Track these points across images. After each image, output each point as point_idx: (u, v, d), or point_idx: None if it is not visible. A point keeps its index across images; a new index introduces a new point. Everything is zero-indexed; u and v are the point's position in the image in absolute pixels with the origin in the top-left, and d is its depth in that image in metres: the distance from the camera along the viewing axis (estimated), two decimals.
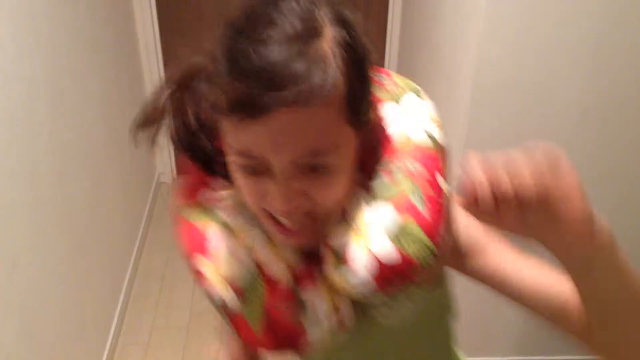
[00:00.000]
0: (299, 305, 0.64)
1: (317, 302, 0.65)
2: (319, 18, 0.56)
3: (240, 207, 0.67)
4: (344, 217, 0.63)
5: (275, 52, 0.52)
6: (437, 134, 0.63)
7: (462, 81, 1.51)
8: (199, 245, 0.67)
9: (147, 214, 2.52)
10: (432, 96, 0.68)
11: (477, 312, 1.72)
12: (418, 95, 0.66)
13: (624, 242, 0.57)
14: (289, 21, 0.54)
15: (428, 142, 0.63)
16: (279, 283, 0.64)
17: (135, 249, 2.31)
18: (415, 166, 0.61)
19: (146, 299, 2.20)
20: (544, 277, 0.65)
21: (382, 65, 2.50)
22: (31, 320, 1.35)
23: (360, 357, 0.75)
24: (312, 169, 0.58)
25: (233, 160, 0.60)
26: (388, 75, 0.68)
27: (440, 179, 0.61)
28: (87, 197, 1.77)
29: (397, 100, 0.66)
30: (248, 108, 0.53)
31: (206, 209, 0.69)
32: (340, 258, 0.61)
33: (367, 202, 0.62)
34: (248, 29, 0.55)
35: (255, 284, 0.65)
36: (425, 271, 0.59)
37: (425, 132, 0.63)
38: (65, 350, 1.54)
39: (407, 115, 0.65)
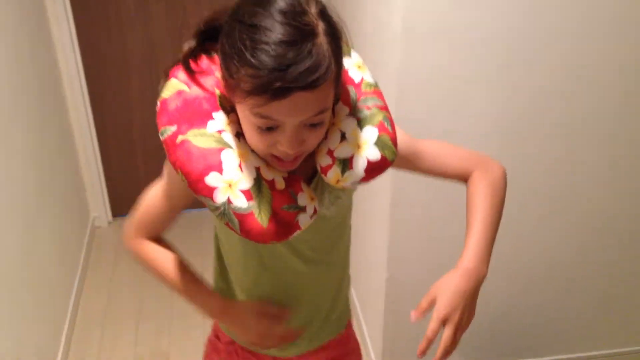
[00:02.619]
0: (295, 200, 0.90)
1: (305, 199, 0.92)
2: (311, 16, 0.79)
3: (239, 138, 0.90)
4: (343, 136, 0.92)
5: (292, 52, 0.76)
6: (373, 78, 0.97)
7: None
8: (215, 165, 0.88)
9: (83, 259, 2.50)
10: None
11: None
12: (355, 53, 0.98)
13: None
14: (293, 25, 0.77)
15: (374, 83, 0.96)
16: (280, 189, 0.90)
17: (73, 296, 2.29)
18: (379, 102, 0.94)
19: (87, 345, 2.17)
20: (451, 161, 1.05)
21: None
22: None
23: (315, 241, 1.06)
24: (312, 124, 0.85)
25: (251, 120, 0.83)
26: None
27: (388, 110, 0.95)
28: (20, 247, 1.76)
29: (349, 55, 0.96)
30: (275, 93, 0.77)
31: (216, 137, 0.90)
32: (346, 162, 0.91)
33: (360, 126, 0.92)
34: (262, 27, 0.78)
35: (261, 187, 0.89)
36: (390, 165, 0.93)
37: (371, 76, 0.97)
38: None
39: (360, 66, 0.96)
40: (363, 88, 0.94)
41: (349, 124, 0.92)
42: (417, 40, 1.43)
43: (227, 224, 0.90)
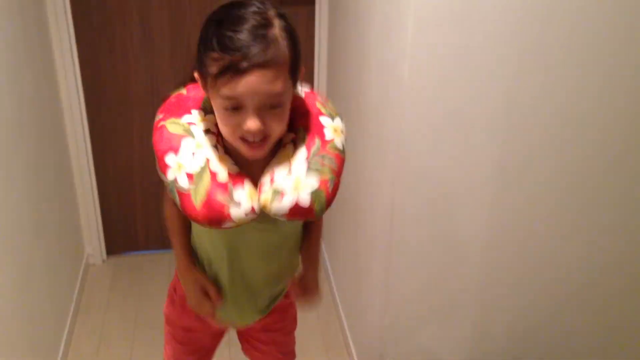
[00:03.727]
0: (230, 194, 1.06)
1: (243, 196, 1.07)
2: (270, 14, 0.99)
3: (208, 134, 1.09)
4: (288, 167, 1.07)
5: (250, 37, 0.96)
6: (344, 147, 1.14)
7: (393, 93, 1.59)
8: (175, 147, 1.07)
9: (76, 298, 2.46)
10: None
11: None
12: (341, 119, 1.16)
13: None
14: (253, 18, 0.98)
15: (342, 149, 1.13)
16: (221, 181, 1.06)
17: (65, 335, 2.24)
18: (335, 165, 1.10)
19: None
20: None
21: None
22: None
23: (263, 240, 1.25)
24: (271, 106, 1.01)
25: (220, 103, 1.01)
26: (327, 101, 1.18)
27: (339, 181, 1.12)
28: (13, 284, 1.73)
29: (332, 118, 1.14)
30: (236, 70, 0.96)
31: (185, 127, 1.09)
32: (278, 193, 1.06)
33: (307, 169, 1.07)
34: (227, 23, 0.98)
35: (203, 174, 1.05)
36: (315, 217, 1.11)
37: (342, 144, 1.13)
38: None
39: (336, 130, 1.13)
40: (328, 147, 1.10)
41: (299, 165, 1.07)
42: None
43: (173, 201, 1.09)
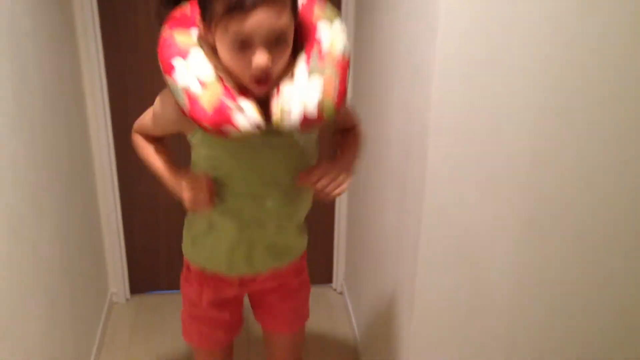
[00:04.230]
0: (238, 104, 1.10)
1: (247, 106, 1.11)
2: None
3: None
4: (292, 79, 1.12)
5: None
6: (348, 49, 1.16)
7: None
8: (183, 53, 1.11)
9: (99, 336, 2.47)
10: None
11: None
12: (340, 22, 1.18)
13: None
14: None
15: (343, 52, 1.14)
16: (229, 86, 1.10)
17: None
18: (336, 69, 1.13)
19: None
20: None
21: None
22: None
23: (280, 157, 1.29)
24: (276, 42, 1.07)
25: (228, 42, 1.06)
26: (325, 4, 1.20)
27: (346, 81, 1.14)
28: (38, 321, 1.75)
29: (331, 21, 1.17)
30: (243, 7, 1.02)
31: (193, 40, 1.13)
32: (285, 110, 1.11)
33: (309, 74, 1.11)
34: None
35: (215, 81, 1.10)
36: (327, 125, 1.16)
37: (343, 45, 1.15)
38: None
39: (335, 33, 1.16)
40: (329, 51, 1.14)
41: (301, 75, 1.12)
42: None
43: (178, 105, 1.11)
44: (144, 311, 2.73)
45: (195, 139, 1.28)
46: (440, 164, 1.47)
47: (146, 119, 1.37)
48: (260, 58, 1.07)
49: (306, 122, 1.12)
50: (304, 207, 1.44)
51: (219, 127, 1.09)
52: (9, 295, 1.52)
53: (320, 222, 2.79)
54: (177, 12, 1.19)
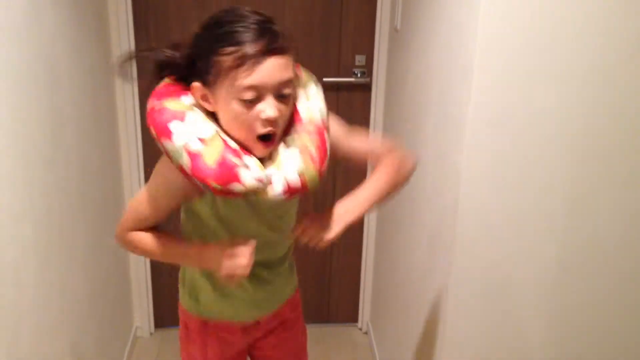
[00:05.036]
0: (242, 159, 1.08)
1: (252, 162, 1.09)
2: (265, 14, 1.07)
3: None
4: (270, 158, 1.12)
5: (259, 28, 1.05)
6: (324, 112, 1.18)
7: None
8: (180, 117, 1.08)
9: None
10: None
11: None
12: (315, 84, 1.20)
13: None
14: (253, 17, 1.06)
15: (320, 118, 1.16)
16: (230, 144, 1.08)
17: None
18: (315, 137, 1.14)
19: None
20: (362, 145, 1.35)
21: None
22: None
23: (270, 212, 1.27)
24: (282, 96, 1.08)
25: (236, 99, 1.05)
26: (300, 70, 1.18)
27: (326, 144, 1.15)
28: (63, 355, 1.75)
29: (304, 87, 1.17)
30: (255, 58, 1.03)
31: (186, 106, 1.10)
32: (267, 183, 1.10)
33: (287, 149, 1.12)
34: (229, 23, 1.06)
35: (215, 138, 1.07)
36: (311, 191, 1.14)
37: (320, 111, 1.17)
38: None
39: (311, 99, 1.17)
40: (305, 122, 1.15)
41: (280, 148, 1.13)
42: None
43: (179, 168, 1.07)
44: (167, 345, 2.72)
45: (204, 202, 1.23)
46: (472, 205, 1.46)
47: (139, 212, 1.25)
48: (271, 109, 1.06)
49: (291, 192, 1.11)
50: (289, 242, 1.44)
51: (223, 182, 1.06)
52: (35, 326, 1.53)
53: (346, 260, 2.77)
54: (161, 86, 1.16)
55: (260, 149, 1.11)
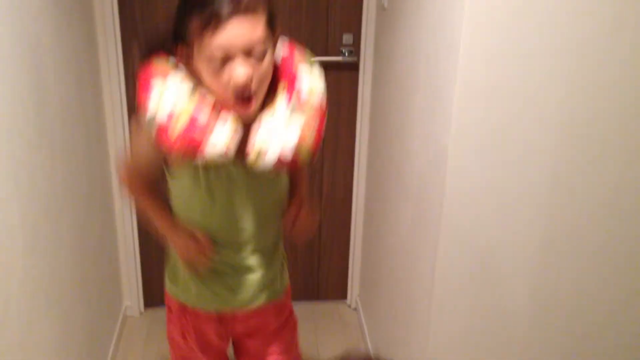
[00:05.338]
0: (210, 128, 1.11)
1: (227, 120, 1.13)
2: None
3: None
4: (273, 113, 1.15)
5: None
6: (324, 97, 1.20)
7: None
8: (163, 73, 1.14)
9: (112, 350, 2.47)
10: None
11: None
12: (318, 68, 1.23)
13: None
14: None
15: (320, 97, 1.19)
16: (203, 110, 1.11)
17: None
18: (314, 113, 1.16)
19: None
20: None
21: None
22: None
23: (249, 186, 1.31)
24: (255, 57, 1.10)
25: (209, 60, 1.08)
26: (304, 50, 1.24)
27: (322, 130, 1.19)
28: (53, 335, 1.76)
29: (310, 66, 1.20)
30: (219, 18, 1.05)
31: (172, 64, 1.17)
32: (262, 153, 1.12)
33: (290, 111, 1.15)
34: None
35: (191, 98, 1.11)
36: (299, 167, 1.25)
37: (320, 90, 1.19)
38: None
39: (314, 78, 1.20)
40: (307, 96, 1.17)
41: (279, 118, 1.14)
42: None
43: (148, 135, 1.14)
44: (157, 325, 2.73)
45: (187, 172, 1.30)
46: (459, 184, 1.47)
47: (140, 147, 1.33)
48: (239, 70, 1.09)
49: (280, 164, 1.14)
50: (275, 231, 1.46)
51: (186, 157, 1.13)
52: (24, 308, 1.53)
53: (335, 237, 2.78)
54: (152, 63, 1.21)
55: (239, 109, 1.14)
